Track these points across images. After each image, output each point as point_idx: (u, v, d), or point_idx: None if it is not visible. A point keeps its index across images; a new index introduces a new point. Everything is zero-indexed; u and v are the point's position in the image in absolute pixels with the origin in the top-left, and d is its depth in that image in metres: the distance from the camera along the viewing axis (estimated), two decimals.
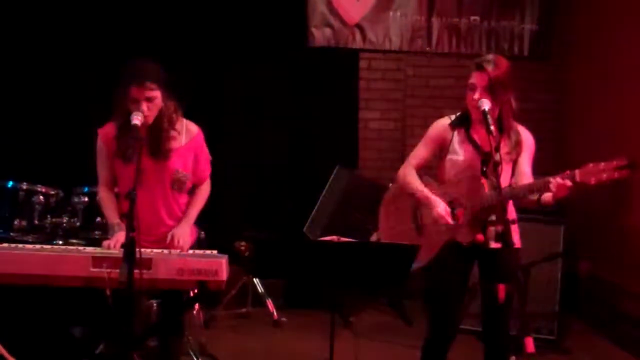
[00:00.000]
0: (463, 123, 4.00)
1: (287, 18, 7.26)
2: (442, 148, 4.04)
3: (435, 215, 3.92)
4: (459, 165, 3.96)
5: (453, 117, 4.06)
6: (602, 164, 3.51)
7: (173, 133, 4.03)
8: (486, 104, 3.75)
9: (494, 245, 3.86)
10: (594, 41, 6.84)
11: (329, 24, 7.35)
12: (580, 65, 7.10)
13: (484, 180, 3.88)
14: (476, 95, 3.81)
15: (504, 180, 3.82)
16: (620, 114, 6.21)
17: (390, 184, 4.38)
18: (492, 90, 3.80)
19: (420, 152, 4.13)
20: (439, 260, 3.98)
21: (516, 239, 3.79)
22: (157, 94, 3.91)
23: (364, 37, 7.40)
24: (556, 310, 5.85)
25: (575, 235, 6.23)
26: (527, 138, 4.02)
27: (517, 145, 3.94)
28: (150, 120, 3.90)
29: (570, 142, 7.19)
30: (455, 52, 7.42)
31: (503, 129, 3.90)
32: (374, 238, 4.83)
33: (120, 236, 3.86)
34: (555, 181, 3.56)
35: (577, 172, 3.56)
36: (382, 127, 7.52)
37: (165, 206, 4.10)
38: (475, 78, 3.84)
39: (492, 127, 3.67)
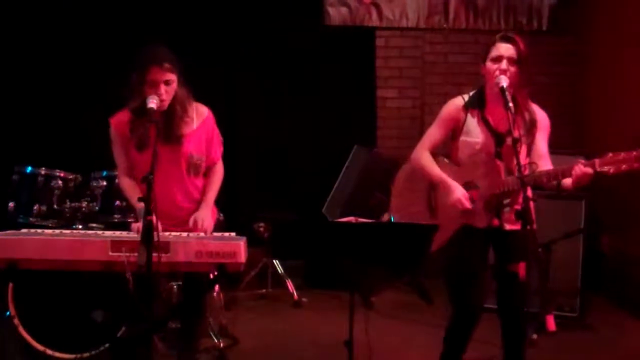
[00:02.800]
0: (477, 104, 3.96)
1: None
2: (455, 129, 4.00)
3: (454, 200, 3.88)
4: (473, 146, 3.93)
5: (466, 97, 4.01)
6: (622, 154, 3.48)
7: (186, 119, 4.02)
8: (504, 81, 3.72)
9: (509, 227, 3.86)
10: (613, 13, 6.75)
11: (345, 2, 7.31)
12: (600, 38, 7.01)
13: (499, 163, 3.86)
14: (503, 66, 3.76)
15: (521, 161, 3.76)
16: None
17: (404, 165, 4.34)
18: (519, 62, 3.78)
19: (433, 134, 4.09)
20: (456, 243, 3.97)
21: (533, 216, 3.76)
22: (174, 77, 3.90)
23: (380, 14, 7.35)
24: (578, 287, 5.80)
25: (597, 210, 6.17)
26: (542, 117, 3.97)
27: (532, 126, 3.89)
28: (166, 105, 3.89)
29: (590, 116, 7.13)
30: (472, 27, 7.35)
31: (518, 109, 3.83)
32: (385, 218, 4.82)
33: None
34: (577, 169, 3.53)
35: (596, 161, 3.53)
36: (400, 105, 7.48)
37: (182, 191, 4.09)
38: (502, 50, 3.80)
39: (510, 104, 3.63)
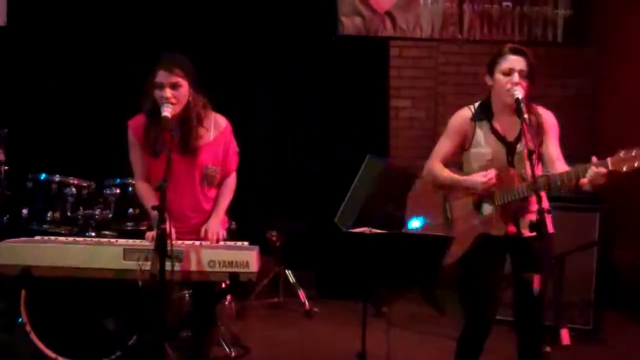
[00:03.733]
0: (485, 115, 3.95)
1: (317, 7, 7.23)
2: (464, 141, 3.99)
3: (481, 184, 3.81)
4: (484, 157, 3.92)
5: (472, 107, 4.01)
6: (634, 151, 3.45)
7: (201, 130, 4.01)
8: (520, 92, 3.70)
9: (526, 234, 3.80)
10: (628, 25, 6.73)
11: (359, 12, 7.31)
12: (615, 49, 6.99)
13: (512, 171, 3.84)
14: (515, 79, 3.74)
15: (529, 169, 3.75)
16: None
17: (417, 180, 4.33)
18: (530, 75, 3.77)
19: (443, 146, 4.07)
20: (471, 255, 3.93)
21: (549, 226, 3.67)
22: (182, 82, 3.88)
23: (394, 25, 7.35)
24: (591, 300, 5.76)
25: (611, 222, 6.13)
26: (548, 118, 3.92)
27: (539, 128, 3.85)
28: (177, 110, 3.88)
29: (605, 127, 7.09)
30: (487, 39, 7.35)
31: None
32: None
33: None
34: (590, 171, 3.50)
35: (609, 160, 3.49)
36: (413, 115, 7.48)
37: (193, 201, 4.08)
38: (513, 62, 3.78)
39: (526, 116, 3.62)
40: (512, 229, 3.86)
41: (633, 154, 3.45)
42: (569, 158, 3.97)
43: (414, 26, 7.36)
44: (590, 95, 7.33)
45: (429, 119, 7.45)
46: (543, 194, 3.71)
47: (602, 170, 3.48)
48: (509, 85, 3.75)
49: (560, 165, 3.81)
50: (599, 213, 5.78)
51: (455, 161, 4.12)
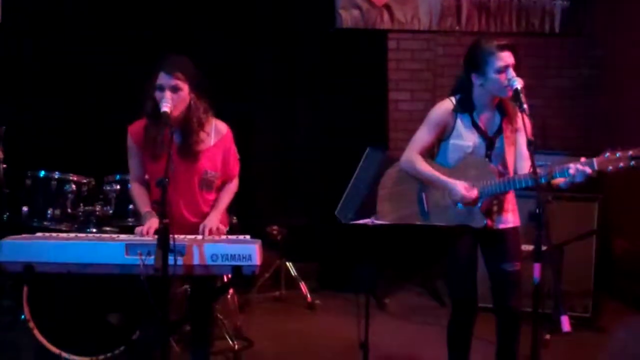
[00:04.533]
0: (466, 107, 4.00)
1: (315, 0, 7.23)
2: (445, 132, 4.05)
3: (461, 197, 3.90)
4: (463, 149, 3.98)
5: (454, 99, 4.06)
6: (619, 152, 3.55)
7: (202, 135, 4.04)
8: (519, 83, 3.74)
9: (501, 227, 4.00)
10: (626, 16, 6.74)
11: (357, 5, 7.30)
12: (612, 40, 7.00)
13: (492, 167, 3.93)
14: (511, 74, 3.79)
15: (510, 163, 3.98)
16: None
17: (390, 169, 4.34)
18: (519, 68, 3.85)
19: (423, 137, 4.12)
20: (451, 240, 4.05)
21: (516, 219, 4.06)
22: (183, 85, 3.91)
23: (392, 17, 7.35)
24: (591, 288, 5.81)
25: (610, 211, 6.16)
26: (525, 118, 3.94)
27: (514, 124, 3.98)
28: (176, 113, 3.90)
29: (602, 118, 7.10)
30: (485, 30, 7.34)
31: (507, 111, 3.96)
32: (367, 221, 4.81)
33: (152, 222, 3.92)
34: (574, 167, 3.60)
35: (595, 160, 3.60)
36: (412, 108, 7.47)
37: (191, 205, 4.12)
38: (507, 59, 3.83)
39: (525, 106, 3.65)
40: (490, 222, 3.98)
41: (618, 155, 3.56)
42: (566, 150, 4.03)
43: (412, 18, 7.36)
44: (588, 86, 7.33)
45: (427, 111, 7.37)
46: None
47: (587, 169, 3.59)
48: (506, 82, 3.80)
49: (527, 165, 3.86)
50: (597, 203, 5.82)
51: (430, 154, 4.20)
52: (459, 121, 4.00)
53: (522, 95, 3.69)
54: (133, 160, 4.17)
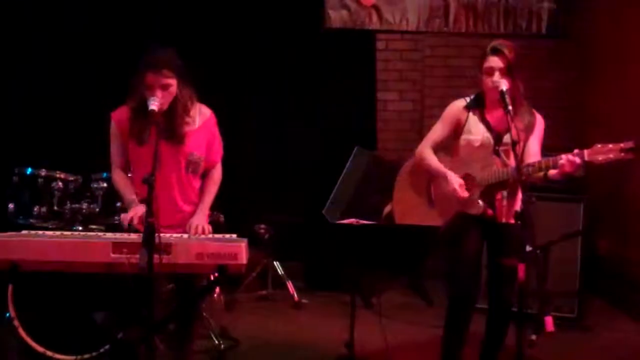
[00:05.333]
0: (478, 105, 4.16)
1: (304, 0, 7.23)
2: (457, 128, 4.20)
3: (452, 190, 4.07)
4: (473, 144, 4.13)
5: (468, 99, 4.21)
6: (610, 145, 3.62)
7: (187, 119, 4.04)
8: (504, 84, 3.88)
9: (503, 219, 4.06)
10: (612, 18, 6.76)
11: (346, 5, 7.32)
12: (599, 42, 7.02)
13: (495, 159, 4.05)
14: (495, 78, 3.94)
15: (514, 160, 3.92)
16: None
17: (408, 161, 4.54)
18: (510, 72, 3.95)
19: (436, 132, 4.30)
20: (452, 229, 4.14)
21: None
22: (172, 82, 3.92)
23: (380, 17, 7.36)
24: (576, 289, 5.83)
25: (595, 212, 6.19)
26: (539, 121, 4.16)
27: (531, 126, 4.08)
28: (165, 107, 3.91)
29: (589, 119, 7.13)
30: (472, 31, 7.37)
31: (517, 111, 4.01)
32: (387, 209, 5.01)
33: (137, 210, 3.88)
34: (565, 157, 3.69)
35: (585, 151, 3.68)
36: (400, 108, 7.49)
37: (181, 191, 4.11)
38: (493, 62, 3.98)
39: (509, 107, 3.79)
40: (490, 211, 4.06)
41: (610, 146, 3.62)
42: (551, 150, 4.07)
43: (400, 19, 7.38)
44: (575, 88, 7.36)
45: (415, 111, 7.47)
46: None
47: (576, 159, 3.66)
48: (490, 84, 3.97)
49: (534, 159, 4.01)
50: (583, 203, 5.85)
51: (446, 151, 4.32)
52: (470, 117, 4.15)
53: (507, 97, 3.82)
54: (116, 147, 4.13)
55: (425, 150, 4.27)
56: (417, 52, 7.50)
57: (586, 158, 3.66)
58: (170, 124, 3.98)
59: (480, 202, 4.02)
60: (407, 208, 4.40)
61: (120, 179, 4.16)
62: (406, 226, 4.04)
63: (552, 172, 3.81)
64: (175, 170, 4.07)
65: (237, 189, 6.79)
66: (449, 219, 4.14)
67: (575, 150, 3.70)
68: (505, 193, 4.05)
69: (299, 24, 7.20)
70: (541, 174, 3.87)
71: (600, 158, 3.63)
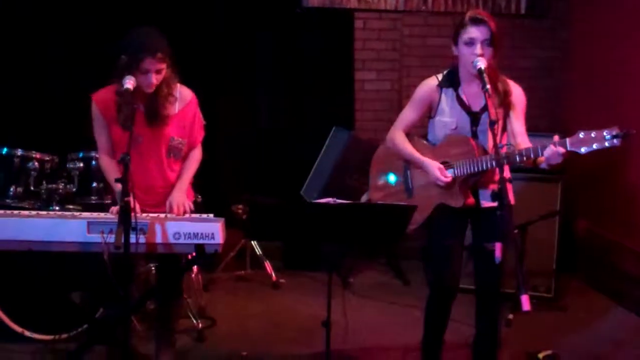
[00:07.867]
0: (451, 82, 3.96)
1: None
2: (430, 109, 4.03)
3: (434, 178, 3.91)
4: (449, 126, 3.95)
5: (440, 76, 4.02)
6: (593, 132, 3.44)
7: (170, 99, 4.01)
8: (482, 63, 3.70)
9: (486, 204, 3.89)
10: None
11: None
12: (580, 22, 7.03)
13: (473, 143, 3.86)
14: (477, 50, 3.74)
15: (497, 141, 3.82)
16: (621, 72, 6.14)
17: (380, 145, 4.38)
18: (492, 43, 3.76)
19: (407, 114, 4.12)
20: (433, 222, 4.02)
21: (510, 196, 3.68)
22: (165, 65, 3.91)
23: None
24: (553, 269, 5.88)
25: (573, 193, 6.23)
26: (517, 93, 3.96)
27: (506, 97, 3.88)
28: (153, 88, 3.89)
29: (570, 99, 7.15)
30: (451, 10, 7.34)
31: (493, 87, 3.80)
32: (364, 199, 4.87)
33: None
34: (548, 149, 3.52)
35: (567, 140, 3.50)
36: (378, 87, 7.47)
37: (160, 174, 4.09)
38: (475, 32, 3.76)
39: (488, 86, 3.62)
40: (470, 200, 3.93)
41: (592, 135, 3.45)
42: (532, 130, 4.02)
43: None
44: (555, 67, 7.38)
45: (394, 90, 7.45)
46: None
47: (560, 149, 3.49)
48: (472, 57, 3.75)
49: (522, 140, 3.85)
50: (560, 183, 5.88)
51: (420, 133, 4.17)
52: (443, 97, 3.96)
53: (485, 76, 3.64)
54: (100, 132, 4.08)
55: (397, 135, 4.09)
56: (395, 32, 7.47)
57: (568, 148, 3.47)
58: (153, 105, 3.96)
59: (461, 193, 3.87)
60: (384, 196, 4.22)
61: (106, 164, 4.11)
62: (383, 205, 4.01)
63: (541, 159, 3.61)
64: (154, 154, 4.06)
65: (215, 169, 6.79)
66: (429, 210, 3.98)
67: (555, 138, 3.54)
68: (484, 179, 3.91)
69: (276, 3, 7.15)
70: (531, 159, 3.66)
71: (583, 149, 3.45)
